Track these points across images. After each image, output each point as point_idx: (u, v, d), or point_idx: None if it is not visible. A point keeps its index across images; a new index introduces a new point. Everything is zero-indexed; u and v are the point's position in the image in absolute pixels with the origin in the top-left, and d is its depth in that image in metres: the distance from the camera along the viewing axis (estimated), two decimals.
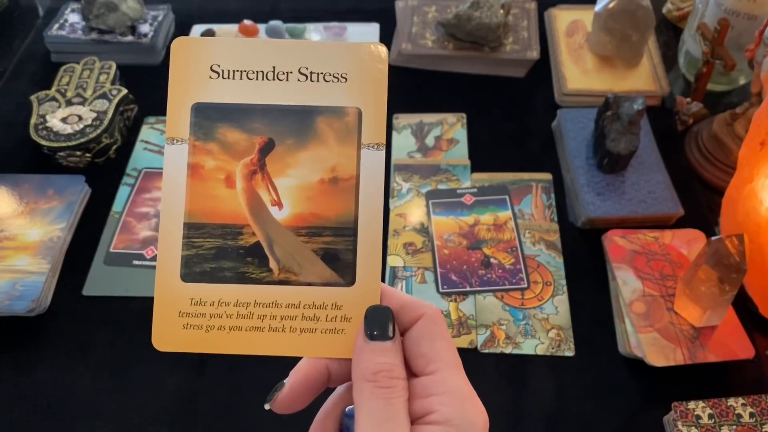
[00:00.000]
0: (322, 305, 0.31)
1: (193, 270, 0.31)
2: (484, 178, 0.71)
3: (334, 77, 0.31)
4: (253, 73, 0.31)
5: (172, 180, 0.31)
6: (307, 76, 0.31)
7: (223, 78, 0.31)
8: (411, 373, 0.29)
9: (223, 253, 0.31)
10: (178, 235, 0.31)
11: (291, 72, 0.31)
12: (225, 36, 0.84)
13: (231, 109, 0.31)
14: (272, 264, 0.31)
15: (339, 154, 0.31)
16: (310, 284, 0.31)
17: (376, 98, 0.31)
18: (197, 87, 0.31)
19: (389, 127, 0.76)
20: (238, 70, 0.31)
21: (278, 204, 0.31)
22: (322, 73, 0.31)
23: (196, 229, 0.31)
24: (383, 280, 0.63)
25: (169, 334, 0.31)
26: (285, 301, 0.31)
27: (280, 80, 0.31)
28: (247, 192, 0.31)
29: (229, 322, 0.31)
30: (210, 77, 0.31)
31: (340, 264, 0.31)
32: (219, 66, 0.31)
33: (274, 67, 0.31)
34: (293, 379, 0.30)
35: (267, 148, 0.31)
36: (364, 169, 0.31)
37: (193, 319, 0.31)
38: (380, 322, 0.29)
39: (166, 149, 0.31)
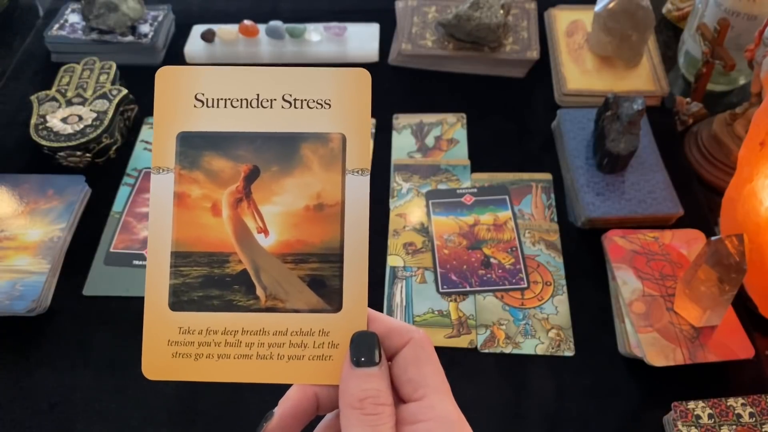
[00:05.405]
0: (309, 332, 0.31)
1: (181, 299, 0.31)
2: (484, 178, 0.71)
3: (318, 104, 0.31)
4: (237, 101, 0.31)
5: (159, 209, 0.31)
6: (290, 103, 0.31)
7: (208, 106, 0.31)
8: (399, 398, 0.29)
9: (210, 282, 0.31)
10: (165, 264, 0.31)
11: (275, 99, 0.31)
12: (224, 33, 0.84)
13: (216, 138, 0.31)
14: (259, 291, 0.31)
15: (324, 180, 0.31)
16: (297, 311, 0.31)
17: (360, 124, 0.31)
18: (182, 116, 0.31)
19: (389, 127, 0.76)
20: (222, 99, 0.31)
21: (264, 231, 0.31)
22: (305, 100, 0.31)
23: (183, 257, 0.31)
24: (383, 280, 0.63)
25: (158, 363, 0.31)
26: (272, 329, 0.31)
27: (264, 108, 0.31)
28: (233, 220, 0.31)
29: (217, 350, 0.31)
30: (194, 106, 0.31)
31: (327, 290, 0.31)
32: (203, 95, 0.31)
33: (258, 95, 0.31)
34: (282, 408, 0.30)
35: (252, 176, 0.31)
36: (350, 194, 0.31)
37: (182, 347, 0.31)
38: (366, 348, 0.29)
39: (153, 178, 0.31)
